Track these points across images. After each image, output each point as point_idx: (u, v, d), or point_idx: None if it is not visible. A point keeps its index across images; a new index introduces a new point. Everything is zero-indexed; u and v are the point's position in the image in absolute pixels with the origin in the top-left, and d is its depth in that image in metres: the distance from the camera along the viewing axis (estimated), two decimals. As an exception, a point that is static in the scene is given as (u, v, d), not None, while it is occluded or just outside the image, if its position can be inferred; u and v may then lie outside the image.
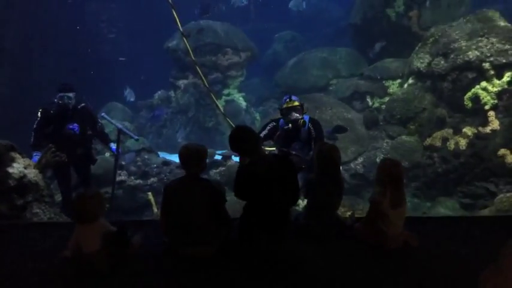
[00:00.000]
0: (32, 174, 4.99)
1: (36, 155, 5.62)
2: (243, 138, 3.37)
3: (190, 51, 8.91)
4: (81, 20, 13.36)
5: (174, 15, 8.43)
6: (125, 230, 3.27)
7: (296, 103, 5.19)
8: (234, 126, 8.77)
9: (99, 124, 6.31)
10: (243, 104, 12.32)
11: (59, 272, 3.13)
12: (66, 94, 5.71)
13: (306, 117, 5.27)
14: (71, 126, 5.77)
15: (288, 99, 5.24)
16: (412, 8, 10.29)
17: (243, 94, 12.57)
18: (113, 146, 6.53)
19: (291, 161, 3.55)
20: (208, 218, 3.23)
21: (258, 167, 3.33)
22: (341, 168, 7.82)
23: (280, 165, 3.40)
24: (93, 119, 6.16)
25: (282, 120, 5.31)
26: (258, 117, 12.36)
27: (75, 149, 5.95)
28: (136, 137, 7.09)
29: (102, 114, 7.27)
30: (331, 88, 11.03)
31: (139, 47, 15.03)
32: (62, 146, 5.62)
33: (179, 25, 8.58)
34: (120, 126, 6.86)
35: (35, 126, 5.78)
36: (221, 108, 9.57)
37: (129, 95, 12.92)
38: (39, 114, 5.82)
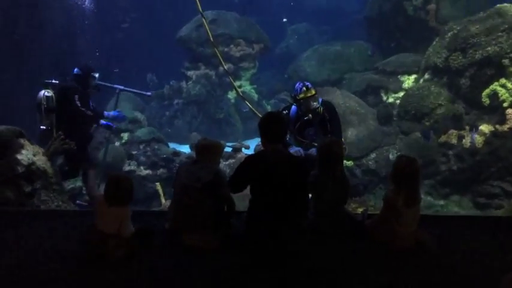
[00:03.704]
0: (41, 161, 4.99)
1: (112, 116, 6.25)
2: (276, 121, 3.38)
3: (209, 33, 8.57)
4: (94, 8, 13.31)
5: None
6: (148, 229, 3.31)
7: (313, 91, 4.95)
8: (254, 110, 8.67)
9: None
10: (255, 96, 12.23)
11: (66, 260, 3.10)
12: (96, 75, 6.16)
13: (320, 100, 5.10)
14: (91, 102, 6.18)
15: (304, 88, 4.96)
16: (429, 1, 10.03)
17: (255, 86, 12.47)
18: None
19: (305, 166, 3.50)
20: (210, 201, 3.25)
21: (270, 158, 3.27)
22: (353, 163, 7.92)
23: (292, 165, 3.33)
24: None
25: (294, 107, 5.13)
26: (269, 110, 12.25)
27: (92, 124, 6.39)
28: (148, 93, 7.10)
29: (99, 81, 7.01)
30: (344, 82, 10.86)
31: (151, 36, 14.96)
32: (89, 122, 6.12)
33: (199, 6, 8.32)
34: (121, 87, 6.87)
35: (79, 104, 5.81)
36: (240, 93, 9.34)
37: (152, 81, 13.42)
38: (64, 95, 5.87)
